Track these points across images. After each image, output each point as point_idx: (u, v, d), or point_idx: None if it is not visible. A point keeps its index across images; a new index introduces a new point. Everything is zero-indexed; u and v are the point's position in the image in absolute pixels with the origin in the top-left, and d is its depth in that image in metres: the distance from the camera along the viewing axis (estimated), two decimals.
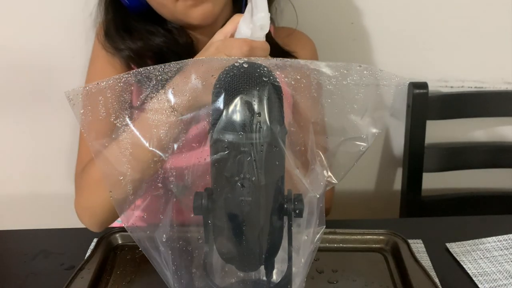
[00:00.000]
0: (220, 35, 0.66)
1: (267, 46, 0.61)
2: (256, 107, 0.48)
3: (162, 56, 0.90)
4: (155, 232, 0.56)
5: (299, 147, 0.54)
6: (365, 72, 0.53)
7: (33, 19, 1.09)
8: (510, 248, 0.81)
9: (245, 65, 0.50)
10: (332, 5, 1.12)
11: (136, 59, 0.91)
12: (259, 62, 0.51)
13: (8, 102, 1.15)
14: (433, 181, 1.30)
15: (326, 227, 0.56)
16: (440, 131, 1.23)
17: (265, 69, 0.50)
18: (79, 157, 0.93)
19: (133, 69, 0.91)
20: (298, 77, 0.52)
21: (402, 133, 1.21)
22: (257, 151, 0.49)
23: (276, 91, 0.50)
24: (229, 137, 0.49)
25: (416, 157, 1.19)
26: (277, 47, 0.95)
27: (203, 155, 0.53)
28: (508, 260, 0.79)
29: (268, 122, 0.49)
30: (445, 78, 1.19)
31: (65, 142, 1.16)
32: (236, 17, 0.65)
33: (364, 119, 0.54)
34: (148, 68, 0.53)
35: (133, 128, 0.54)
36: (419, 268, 0.72)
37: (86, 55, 1.00)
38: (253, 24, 0.61)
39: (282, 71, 0.52)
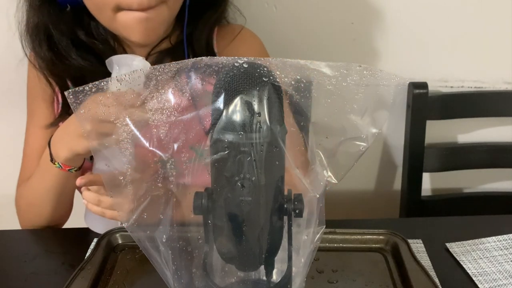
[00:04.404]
0: None
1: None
2: (256, 107, 0.49)
3: (82, 80, 0.82)
4: (155, 232, 0.56)
5: (299, 147, 0.54)
6: (365, 72, 0.53)
7: None
8: (510, 248, 0.81)
9: (245, 65, 0.50)
10: (332, 5, 1.12)
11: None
12: (259, 62, 0.51)
13: (8, 102, 1.15)
14: (433, 181, 1.30)
15: (326, 227, 0.56)
16: (440, 131, 1.23)
17: (265, 69, 0.50)
18: (22, 167, 0.98)
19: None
20: (298, 77, 0.52)
21: (402, 133, 1.21)
22: (257, 151, 0.49)
23: (276, 91, 0.50)
24: (229, 137, 0.49)
25: (416, 157, 1.19)
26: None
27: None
28: (508, 260, 0.79)
29: (268, 122, 0.49)
30: (445, 78, 1.19)
31: None
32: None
33: (364, 119, 0.54)
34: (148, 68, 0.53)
35: (133, 128, 0.54)
36: (419, 268, 0.72)
37: None
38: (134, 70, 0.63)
39: (282, 71, 0.52)
